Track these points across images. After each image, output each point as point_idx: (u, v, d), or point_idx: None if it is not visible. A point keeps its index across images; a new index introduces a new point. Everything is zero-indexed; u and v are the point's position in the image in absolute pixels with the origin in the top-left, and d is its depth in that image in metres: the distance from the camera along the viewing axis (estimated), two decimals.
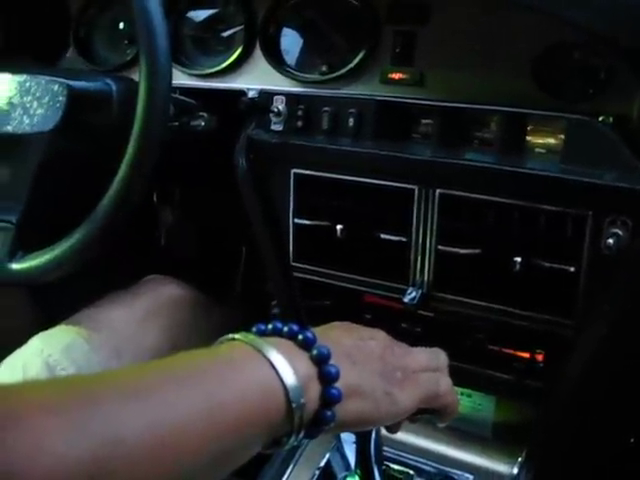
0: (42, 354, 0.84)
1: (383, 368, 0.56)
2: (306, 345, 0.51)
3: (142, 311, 0.96)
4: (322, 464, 0.93)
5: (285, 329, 0.52)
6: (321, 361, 0.50)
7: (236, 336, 0.52)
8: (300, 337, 0.51)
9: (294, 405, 0.47)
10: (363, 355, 0.56)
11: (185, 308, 1.01)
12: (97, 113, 0.83)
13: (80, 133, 0.83)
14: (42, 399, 0.39)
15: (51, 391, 0.41)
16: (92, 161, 0.85)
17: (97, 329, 0.90)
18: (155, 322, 0.96)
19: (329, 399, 0.50)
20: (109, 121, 0.83)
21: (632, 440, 0.95)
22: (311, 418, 0.50)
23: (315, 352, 0.50)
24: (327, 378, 0.50)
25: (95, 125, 0.83)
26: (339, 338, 0.56)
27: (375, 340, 0.59)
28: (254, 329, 0.53)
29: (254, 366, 0.48)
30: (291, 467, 0.95)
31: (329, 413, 0.50)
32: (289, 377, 0.47)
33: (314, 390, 0.49)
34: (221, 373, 0.47)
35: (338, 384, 0.51)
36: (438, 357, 0.65)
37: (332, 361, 0.51)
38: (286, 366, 0.48)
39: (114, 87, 0.83)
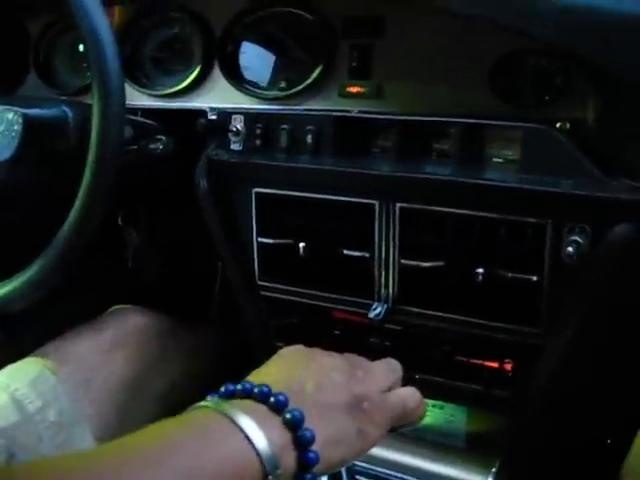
0: (9, 389, 0.83)
1: (350, 401, 0.56)
2: (278, 409, 0.51)
3: (108, 342, 0.95)
4: None
5: (256, 390, 0.52)
6: (295, 426, 0.50)
7: (208, 404, 0.52)
8: (272, 400, 0.51)
9: (270, 477, 0.47)
10: (329, 395, 0.56)
11: (153, 337, 1.00)
12: (54, 140, 0.83)
13: (37, 161, 0.82)
14: None
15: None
16: (51, 188, 0.85)
17: (64, 361, 0.90)
18: (122, 352, 0.95)
19: (306, 464, 0.50)
20: (66, 147, 0.83)
21: (609, 441, 0.95)
22: None
23: (288, 416, 0.50)
24: (303, 443, 0.50)
25: (52, 152, 0.83)
26: (304, 384, 0.55)
27: (336, 371, 0.58)
28: (222, 389, 0.53)
29: (228, 438, 0.48)
30: None
31: (308, 476, 0.50)
32: (264, 448, 0.47)
33: (290, 456, 0.49)
34: (195, 449, 0.46)
35: (314, 446, 0.50)
36: (395, 369, 0.65)
37: (305, 423, 0.51)
38: (261, 436, 0.48)
39: (70, 113, 0.83)
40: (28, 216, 0.84)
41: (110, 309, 1.02)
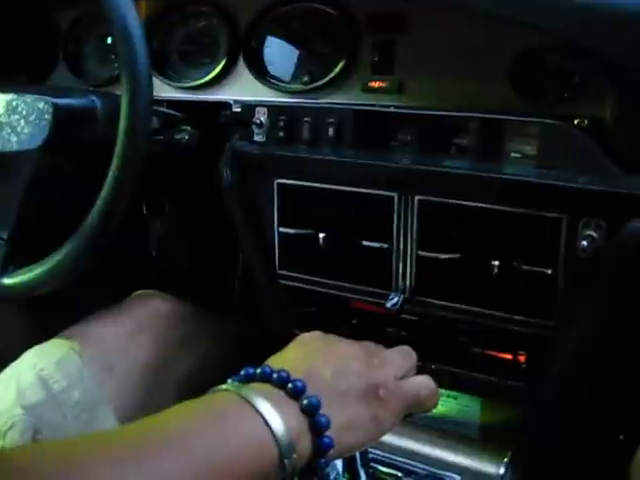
0: (35, 368, 0.86)
1: (366, 389, 0.57)
2: (295, 394, 0.52)
3: (132, 326, 0.97)
4: None
5: (275, 376, 0.53)
6: (312, 411, 0.52)
7: (229, 387, 0.53)
8: (290, 386, 0.52)
9: (286, 461, 0.49)
10: (346, 383, 0.57)
11: (175, 322, 1.02)
12: (83, 129, 0.85)
13: (67, 150, 0.84)
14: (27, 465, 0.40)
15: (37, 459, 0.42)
16: (80, 176, 0.87)
17: (88, 344, 0.92)
18: (145, 336, 0.97)
19: (321, 449, 0.52)
20: (95, 137, 0.85)
21: (621, 437, 0.96)
22: (304, 464, 0.51)
23: (305, 402, 0.52)
24: (318, 428, 0.52)
25: (81, 141, 0.85)
26: (321, 371, 0.57)
27: (353, 358, 0.60)
28: (242, 372, 0.55)
29: (247, 422, 0.49)
30: None
31: (322, 460, 0.52)
32: (282, 433, 0.49)
33: (306, 441, 0.51)
34: (214, 431, 0.48)
35: (329, 431, 0.52)
36: (410, 357, 0.66)
37: (322, 409, 0.52)
38: (278, 421, 0.49)
39: (99, 103, 0.85)
40: (58, 202, 0.87)
41: (133, 294, 1.04)
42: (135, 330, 0.97)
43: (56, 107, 0.82)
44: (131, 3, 0.73)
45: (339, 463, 0.75)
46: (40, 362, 0.87)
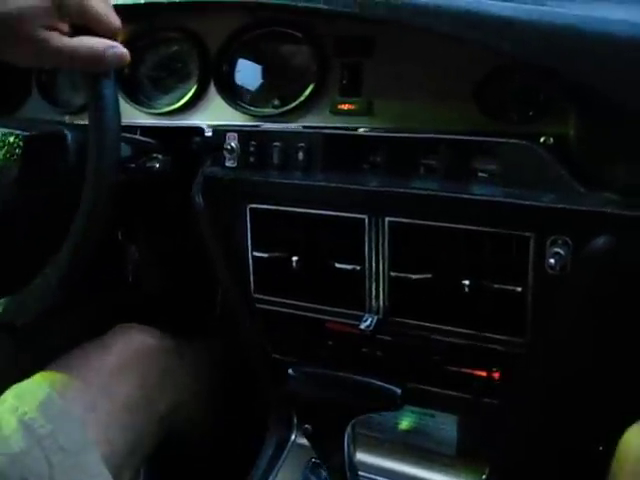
0: (17, 412, 0.84)
1: None
2: None
3: (113, 362, 0.96)
4: None
5: None
6: None
7: None
8: None
9: None
10: None
11: (157, 356, 1.02)
12: (54, 161, 0.85)
13: (38, 181, 0.85)
14: None
15: None
16: (52, 208, 0.87)
17: (70, 383, 0.91)
18: (127, 373, 0.96)
19: None
20: (66, 167, 0.85)
21: (600, 448, 0.96)
22: None
23: None
24: None
25: (53, 172, 0.85)
26: None
27: None
28: None
29: None
30: None
31: None
32: None
33: None
34: None
35: None
36: None
37: None
38: None
39: (69, 136, 0.85)
40: (31, 234, 0.87)
41: (114, 328, 1.03)
42: (117, 367, 0.96)
43: (27, 140, 0.82)
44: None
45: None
46: (22, 405, 0.85)
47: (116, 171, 0.76)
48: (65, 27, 0.64)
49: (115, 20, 0.67)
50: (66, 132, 0.85)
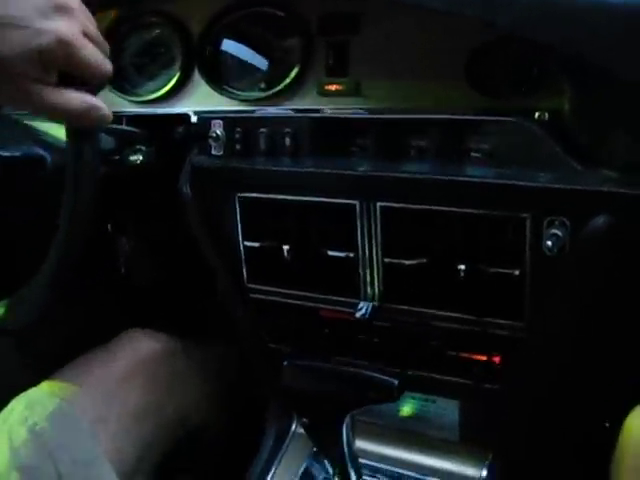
0: (27, 422, 0.83)
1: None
2: None
3: (121, 370, 0.96)
4: (301, 471, 0.95)
5: None
6: None
7: None
8: None
9: None
10: None
11: (164, 361, 1.01)
12: (32, 179, 0.84)
13: (16, 198, 0.83)
14: None
15: None
16: (32, 220, 0.85)
17: (80, 392, 0.90)
18: (135, 381, 0.96)
19: None
20: (45, 184, 0.84)
21: (607, 424, 0.95)
22: None
23: None
24: None
25: (31, 189, 0.84)
26: None
27: None
28: None
29: None
30: (271, 475, 0.96)
31: None
32: None
33: None
34: None
35: None
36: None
37: None
38: None
39: (48, 158, 0.84)
40: (11, 247, 0.85)
41: (120, 335, 1.02)
42: (125, 375, 0.95)
43: (3, 160, 0.81)
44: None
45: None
46: (32, 415, 0.84)
47: (94, 193, 0.72)
48: (52, 77, 0.60)
49: (105, 65, 0.63)
50: (44, 154, 0.83)
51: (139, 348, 1.00)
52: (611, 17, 0.65)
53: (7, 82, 0.58)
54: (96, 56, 0.62)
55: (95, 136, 0.70)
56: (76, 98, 0.62)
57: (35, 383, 0.91)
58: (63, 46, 0.58)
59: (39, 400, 0.87)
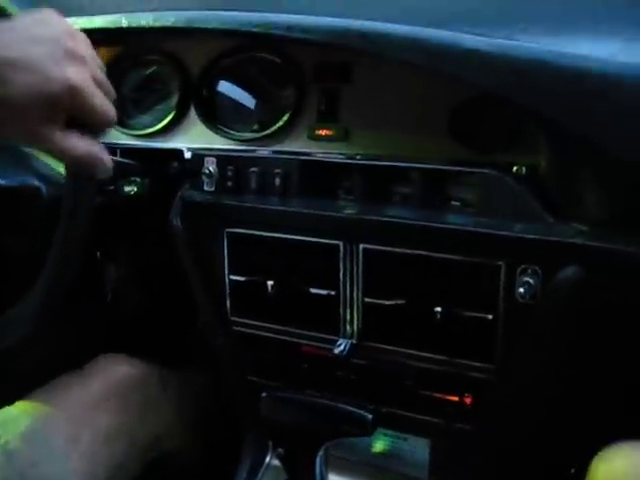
0: (0, 441, 0.84)
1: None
2: None
3: (97, 392, 0.97)
4: None
5: None
6: None
7: None
8: None
9: None
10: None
11: (139, 387, 1.02)
12: (26, 209, 0.86)
13: (10, 226, 0.85)
14: None
15: None
16: (26, 249, 0.88)
17: (54, 413, 0.91)
18: (109, 404, 0.96)
19: None
20: (39, 214, 0.86)
21: (573, 470, 0.97)
22: None
23: None
24: None
25: (26, 218, 0.86)
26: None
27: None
28: None
29: None
30: None
31: None
32: None
33: None
34: None
35: None
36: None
37: None
38: None
39: (44, 188, 0.86)
40: (8, 268, 0.87)
41: (97, 357, 1.03)
42: (99, 397, 0.96)
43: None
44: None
45: None
46: (4, 434, 0.85)
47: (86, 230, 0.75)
48: (60, 119, 0.63)
49: (110, 112, 0.66)
50: (40, 185, 0.85)
51: (115, 372, 1.01)
52: (585, 84, 0.69)
53: (16, 122, 0.61)
54: (103, 103, 0.65)
55: (94, 178, 0.72)
56: (83, 146, 0.64)
57: (9, 402, 0.92)
58: (73, 93, 0.61)
59: (12, 419, 0.88)
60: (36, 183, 0.87)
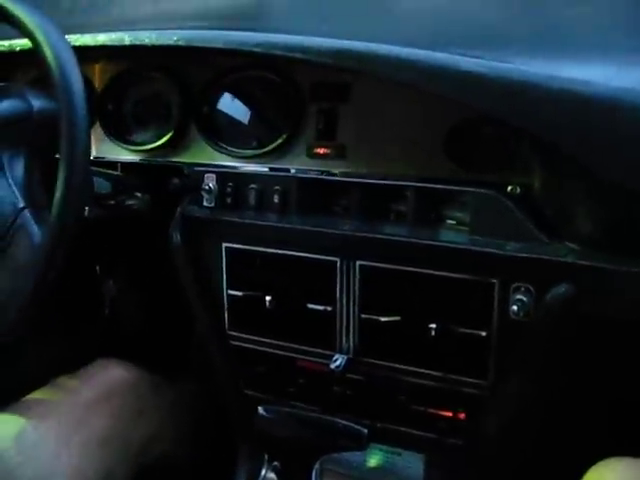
0: None
1: None
2: None
3: (90, 396, 0.97)
4: None
5: None
6: None
7: None
8: None
9: None
10: None
11: (133, 391, 1.02)
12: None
13: None
14: None
15: None
16: None
17: (45, 416, 0.91)
18: (102, 408, 0.97)
19: None
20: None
21: None
22: None
23: None
24: None
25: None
26: None
27: None
28: None
29: None
30: None
31: None
32: None
33: None
34: None
35: None
36: None
37: None
38: None
39: None
40: None
41: (93, 362, 1.04)
42: (93, 400, 0.96)
43: None
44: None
45: None
46: None
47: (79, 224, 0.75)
48: None
49: None
50: None
51: (110, 376, 1.02)
52: (578, 108, 0.70)
53: None
54: None
55: None
56: None
57: (3, 404, 0.93)
58: None
59: (4, 420, 0.89)
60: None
